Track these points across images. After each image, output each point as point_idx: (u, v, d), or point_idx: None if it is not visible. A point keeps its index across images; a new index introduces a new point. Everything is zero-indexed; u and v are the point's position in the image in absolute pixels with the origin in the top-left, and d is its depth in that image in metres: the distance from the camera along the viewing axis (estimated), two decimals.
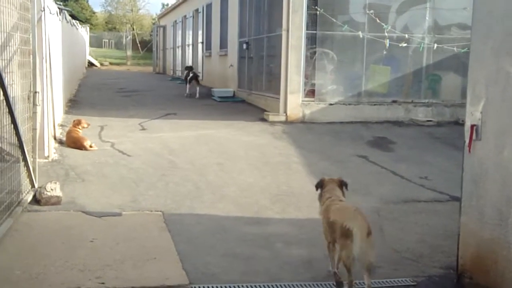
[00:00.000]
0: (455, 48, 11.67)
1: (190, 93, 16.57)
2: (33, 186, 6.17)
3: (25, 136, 5.86)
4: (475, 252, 4.15)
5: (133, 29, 54.75)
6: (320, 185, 4.59)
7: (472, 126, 4.08)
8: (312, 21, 11.57)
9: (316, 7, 11.44)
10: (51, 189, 5.97)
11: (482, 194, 4.06)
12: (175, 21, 29.22)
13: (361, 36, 11.60)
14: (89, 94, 16.72)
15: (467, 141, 4.13)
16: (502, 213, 3.87)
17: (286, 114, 11.58)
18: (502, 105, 3.87)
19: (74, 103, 13.98)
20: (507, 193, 3.82)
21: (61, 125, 10.19)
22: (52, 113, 8.60)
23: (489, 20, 4.00)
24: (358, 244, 3.81)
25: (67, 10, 13.93)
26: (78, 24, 21.67)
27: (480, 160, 4.06)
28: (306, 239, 5.33)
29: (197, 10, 23.25)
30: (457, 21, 12.24)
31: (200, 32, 22.60)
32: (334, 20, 11.51)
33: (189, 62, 24.81)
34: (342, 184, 4.56)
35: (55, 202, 5.92)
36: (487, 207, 4.01)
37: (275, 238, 5.30)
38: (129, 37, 48.60)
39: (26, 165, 5.92)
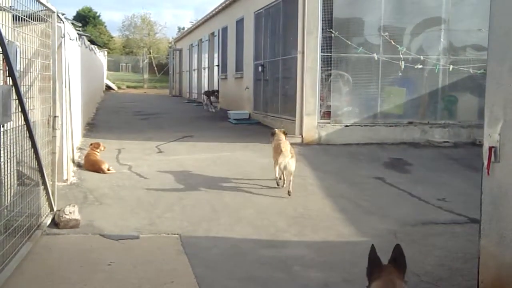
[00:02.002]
0: (471, 70, 11.65)
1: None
2: (52, 209, 6.23)
3: (45, 160, 5.93)
4: (496, 276, 4.08)
5: (150, 52, 55.42)
6: (273, 133, 8.38)
7: (490, 148, 4.05)
8: (327, 43, 11.64)
9: (330, 29, 11.52)
10: (70, 212, 6.02)
11: (502, 217, 4.02)
12: (191, 44, 29.55)
13: (376, 58, 11.64)
14: (106, 118, 16.91)
15: (485, 163, 4.10)
16: None
17: (302, 136, 11.60)
18: None
19: (92, 127, 14.14)
20: None
21: (80, 148, 10.31)
22: (71, 137, 8.71)
23: (506, 41, 3.99)
24: (285, 160, 7.54)
25: (86, 36, 14.17)
26: (96, 48, 22.02)
27: (499, 183, 4.02)
28: (323, 262, 5.30)
29: (213, 34, 23.52)
30: (472, 42, 12.22)
31: (216, 55, 22.83)
32: (349, 43, 11.57)
33: (205, 85, 25.05)
34: (285, 133, 8.33)
35: (73, 225, 5.97)
36: (507, 230, 3.96)
37: (292, 261, 5.28)
38: (146, 61, 49.20)
39: (45, 188, 5.99)
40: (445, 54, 12.12)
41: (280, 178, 8.00)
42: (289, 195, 7.51)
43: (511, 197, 3.92)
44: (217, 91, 20.58)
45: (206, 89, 24.77)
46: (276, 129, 8.51)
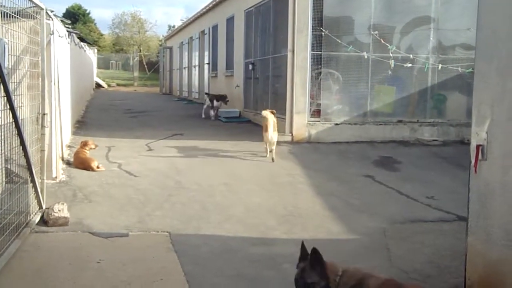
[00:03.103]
0: (459, 68, 11.72)
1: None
2: (41, 207, 6.21)
3: (34, 158, 5.90)
4: (482, 273, 4.12)
5: (140, 50, 55.22)
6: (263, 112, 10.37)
7: (477, 146, 4.08)
8: (317, 42, 11.67)
9: (321, 28, 11.55)
10: (59, 210, 6.00)
11: (489, 215, 4.05)
12: (182, 42, 29.49)
13: (366, 56, 11.68)
14: (96, 115, 16.85)
15: (473, 161, 4.13)
16: (510, 233, 3.85)
17: (292, 134, 11.63)
18: (508, 125, 3.87)
19: (81, 124, 14.09)
20: None
21: (69, 146, 10.27)
22: (60, 135, 8.67)
23: (493, 41, 4.02)
24: (270, 133, 9.65)
25: (76, 33, 14.10)
26: (86, 46, 21.92)
27: (486, 181, 4.05)
28: None
29: (203, 32, 23.49)
30: (461, 41, 12.31)
31: (206, 53, 22.81)
32: (339, 41, 11.61)
33: (195, 83, 24.99)
34: (273, 112, 10.16)
35: (62, 223, 5.94)
36: (494, 227, 3.99)
37: (282, 259, 5.28)
38: (136, 59, 49.06)
39: (34, 186, 5.96)
40: (434, 53, 12.19)
41: (269, 151, 9.94)
42: (273, 161, 9.69)
43: (497, 195, 3.96)
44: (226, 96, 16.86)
45: (197, 87, 24.71)
46: (264, 110, 10.40)
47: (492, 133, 3.99)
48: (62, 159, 8.96)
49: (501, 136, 3.93)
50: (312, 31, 11.60)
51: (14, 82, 5.42)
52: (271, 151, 9.84)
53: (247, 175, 8.69)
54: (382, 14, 12.15)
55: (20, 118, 5.31)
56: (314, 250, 3.43)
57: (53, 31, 7.39)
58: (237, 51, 17.29)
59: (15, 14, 5.18)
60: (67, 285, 4.45)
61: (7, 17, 5.04)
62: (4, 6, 4.92)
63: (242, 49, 16.45)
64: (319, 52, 11.71)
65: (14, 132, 5.21)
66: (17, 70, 5.56)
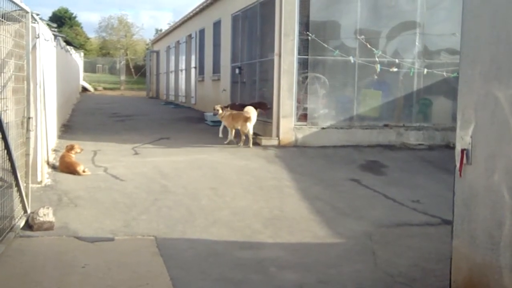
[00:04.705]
0: (444, 73, 11.82)
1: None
2: (25, 211, 6.15)
3: (18, 162, 5.85)
4: (467, 276, 4.15)
5: (127, 54, 54.97)
6: (226, 106, 11.96)
7: (462, 150, 4.12)
8: (304, 46, 11.70)
9: (307, 32, 11.59)
10: (44, 215, 5.95)
11: (473, 218, 4.09)
12: (169, 46, 29.43)
13: (352, 61, 11.74)
14: (82, 119, 16.75)
15: (457, 165, 4.17)
16: (494, 237, 3.89)
17: (279, 138, 11.64)
18: (491, 129, 3.91)
19: (67, 128, 14.00)
20: (498, 217, 3.84)
21: (55, 150, 10.20)
22: (45, 138, 8.61)
23: (476, 46, 4.07)
24: (250, 125, 11.24)
25: (62, 36, 14.01)
26: (73, 49, 21.78)
27: (471, 184, 4.09)
28: (299, 263, 5.33)
29: (190, 36, 23.46)
30: (446, 46, 12.41)
31: (193, 57, 22.77)
32: (326, 45, 11.65)
33: (182, 87, 24.91)
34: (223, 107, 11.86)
35: (47, 227, 5.90)
36: (478, 231, 4.03)
37: (268, 263, 5.29)
38: (122, 62, 48.82)
39: (19, 190, 5.91)
40: (419, 57, 12.28)
41: (234, 139, 11.67)
42: (251, 146, 11.26)
43: (481, 199, 3.99)
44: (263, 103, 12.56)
45: (184, 91, 24.60)
46: (221, 105, 12.30)
47: (476, 137, 4.03)
48: (48, 163, 8.89)
49: (485, 140, 3.97)
50: (299, 36, 11.63)
51: None
52: (249, 139, 11.33)
53: (233, 179, 8.68)
54: (368, 19, 12.22)
55: (5, 121, 5.27)
56: None
57: (38, 35, 7.34)
58: (224, 55, 17.29)
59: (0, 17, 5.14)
60: None
61: None
62: None
63: (229, 53, 16.46)
64: (306, 56, 11.74)
65: None
66: (2, 74, 5.51)
